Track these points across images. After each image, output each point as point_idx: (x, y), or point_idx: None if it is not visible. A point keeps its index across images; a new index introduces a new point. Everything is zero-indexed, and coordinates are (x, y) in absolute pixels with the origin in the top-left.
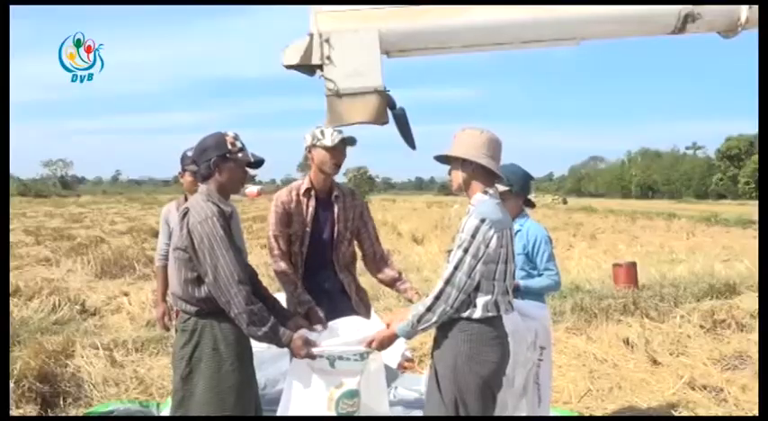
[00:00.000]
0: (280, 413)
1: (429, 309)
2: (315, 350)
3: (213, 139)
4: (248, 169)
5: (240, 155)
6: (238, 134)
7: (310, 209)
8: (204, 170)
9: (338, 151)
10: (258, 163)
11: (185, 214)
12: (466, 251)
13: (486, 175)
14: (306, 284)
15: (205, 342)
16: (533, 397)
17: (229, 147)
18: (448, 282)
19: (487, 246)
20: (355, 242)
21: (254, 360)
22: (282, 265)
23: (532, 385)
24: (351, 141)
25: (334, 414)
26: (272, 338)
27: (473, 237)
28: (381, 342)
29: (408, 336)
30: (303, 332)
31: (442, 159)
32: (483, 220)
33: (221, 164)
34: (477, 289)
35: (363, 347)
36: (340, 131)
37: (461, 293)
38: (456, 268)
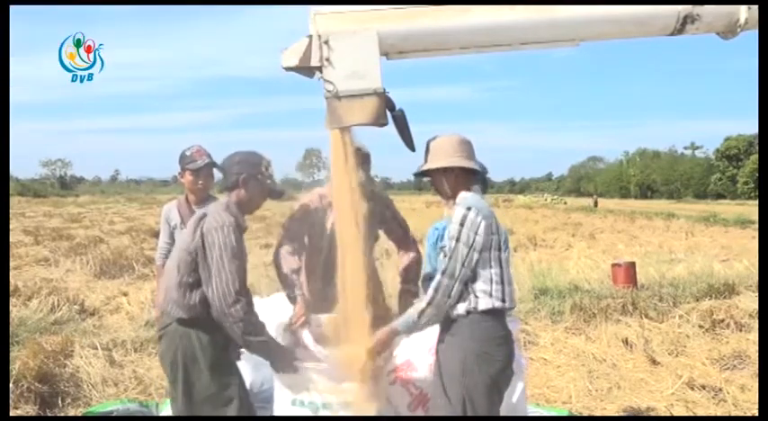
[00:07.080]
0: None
1: (429, 303)
2: (306, 364)
3: (249, 156)
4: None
5: (268, 181)
6: (271, 162)
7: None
8: (231, 182)
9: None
10: (280, 193)
11: (201, 218)
12: (458, 240)
13: (467, 176)
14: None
15: (184, 351)
16: None
17: (262, 169)
18: (444, 272)
19: (476, 233)
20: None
21: (252, 360)
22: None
23: None
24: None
25: None
26: (266, 350)
27: (461, 225)
28: (382, 341)
29: (410, 331)
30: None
31: (422, 174)
32: (469, 208)
33: (249, 181)
34: (475, 278)
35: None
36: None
37: (456, 282)
38: (450, 258)
